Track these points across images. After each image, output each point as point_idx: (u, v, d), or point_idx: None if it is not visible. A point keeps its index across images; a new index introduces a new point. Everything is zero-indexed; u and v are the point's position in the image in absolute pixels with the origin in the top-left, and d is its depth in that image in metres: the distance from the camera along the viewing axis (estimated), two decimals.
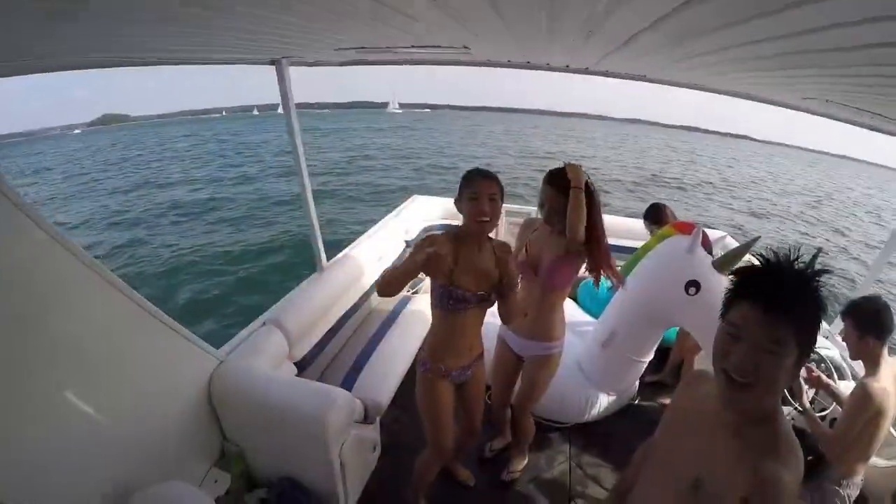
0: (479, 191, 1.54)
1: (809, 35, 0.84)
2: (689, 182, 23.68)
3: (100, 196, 16.42)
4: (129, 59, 1.75)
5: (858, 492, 1.81)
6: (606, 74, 2.40)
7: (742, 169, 36.53)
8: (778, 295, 0.75)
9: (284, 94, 2.33)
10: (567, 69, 2.37)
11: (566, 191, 1.72)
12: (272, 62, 2.25)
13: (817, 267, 0.76)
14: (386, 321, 3.15)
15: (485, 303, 1.68)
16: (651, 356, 2.56)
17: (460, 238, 1.63)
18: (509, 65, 2.43)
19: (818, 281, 0.75)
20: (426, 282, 3.57)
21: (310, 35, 1.59)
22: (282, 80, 2.29)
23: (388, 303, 3.42)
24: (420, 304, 3.36)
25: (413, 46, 1.71)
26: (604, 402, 2.64)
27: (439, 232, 1.67)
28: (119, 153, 33.73)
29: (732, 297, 0.83)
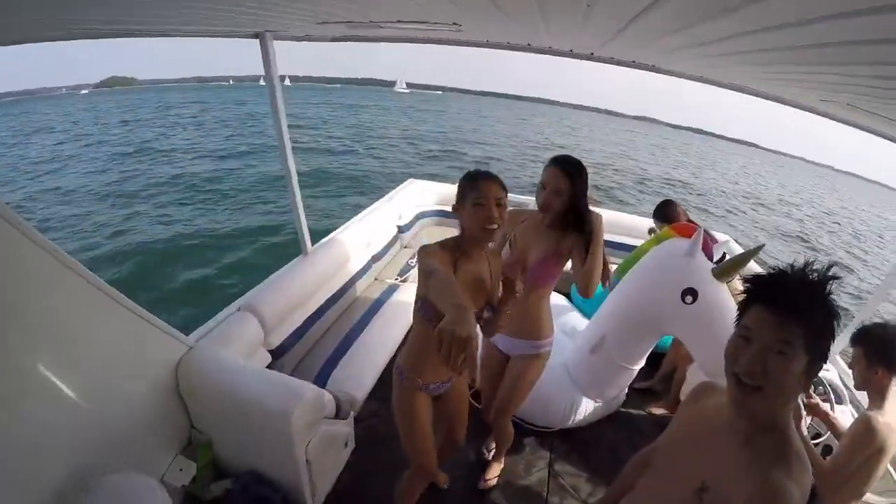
0: (486, 194, 1.38)
1: (825, 23, 0.76)
2: (697, 185, 23.52)
3: (102, 161, 16.27)
4: (105, 30, 1.65)
5: None
6: (612, 62, 2.25)
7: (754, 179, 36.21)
8: (788, 297, 0.78)
9: (269, 69, 2.19)
10: (570, 54, 2.22)
11: (570, 174, 1.62)
12: (255, 36, 2.11)
13: (828, 275, 0.78)
14: (370, 310, 3.06)
15: (476, 321, 1.52)
16: (642, 364, 2.44)
17: (460, 249, 1.46)
18: (509, 46, 2.28)
19: (829, 287, 0.78)
20: (415, 270, 3.47)
21: (292, 7, 1.47)
22: (266, 54, 2.15)
23: (374, 291, 3.33)
24: (408, 293, 3.26)
25: (399, 21, 1.58)
26: (589, 408, 2.53)
27: (436, 241, 1.48)
28: (124, 116, 33.48)
29: (746, 303, 0.86)
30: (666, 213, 2.70)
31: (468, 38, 2.17)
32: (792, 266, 0.81)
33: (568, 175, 1.63)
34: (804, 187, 42.37)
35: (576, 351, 2.57)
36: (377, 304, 3.12)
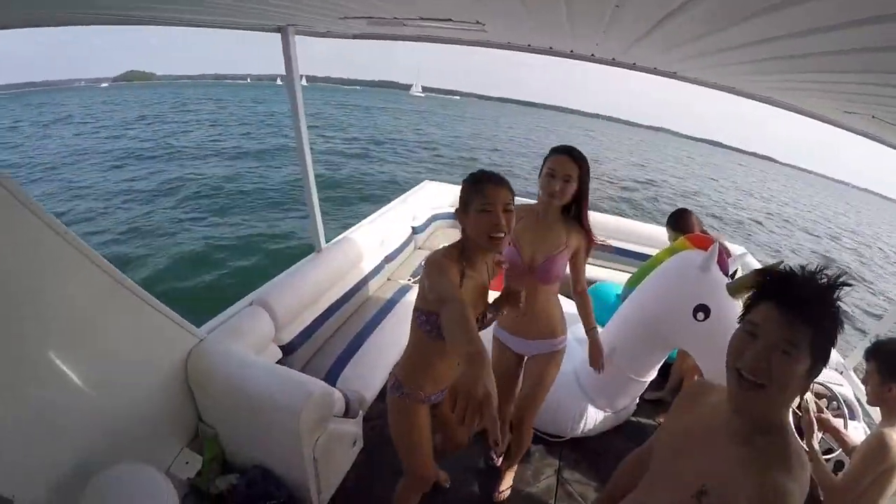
0: (493, 200, 1.29)
1: (853, 29, 0.73)
2: (714, 195, 23.32)
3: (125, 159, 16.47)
4: (127, 17, 1.66)
5: None
6: (634, 68, 2.22)
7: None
8: (798, 297, 0.78)
9: (289, 65, 2.20)
10: (592, 58, 2.18)
11: (578, 160, 1.63)
12: (278, 29, 2.12)
13: (839, 281, 0.79)
14: (382, 310, 3.05)
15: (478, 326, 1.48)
16: (653, 375, 2.39)
17: (465, 256, 1.38)
18: (531, 49, 2.26)
19: (838, 292, 0.78)
20: None
21: (316, 0, 1.47)
22: (287, 49, 2.17)
23: (387, 291, 3.32)
24: None
25: (422, 19, 1.57)
26: (598, 417, 2.49)
27: (441, 247, 1.43)
28: (143, 111, 33.93)
29: (754, 298, 0.85)
30: (680, 222, 2.61)
31: (490, 40, 2.15)
32: (804, 268, 0.81)
33: (575, 161, 1.63)
34: (822, 202, 41.88)
35: (586, 360, 2.52)
36: (389, 305, 3.11)
